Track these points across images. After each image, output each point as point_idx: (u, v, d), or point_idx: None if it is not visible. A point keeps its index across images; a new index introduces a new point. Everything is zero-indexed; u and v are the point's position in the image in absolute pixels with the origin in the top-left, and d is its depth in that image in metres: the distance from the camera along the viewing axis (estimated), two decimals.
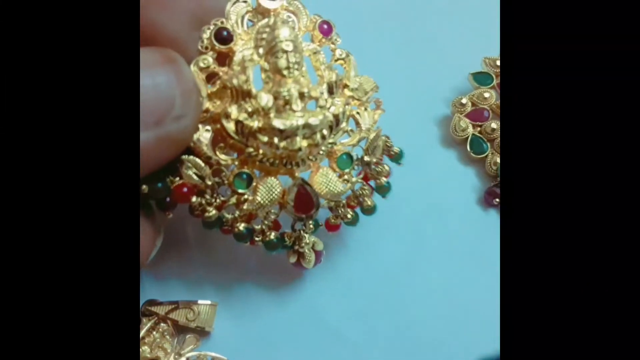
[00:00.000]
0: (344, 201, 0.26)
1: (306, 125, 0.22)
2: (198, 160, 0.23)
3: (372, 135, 0.25)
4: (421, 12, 0.36)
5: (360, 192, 0.26)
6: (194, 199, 0.23)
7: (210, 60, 0.23)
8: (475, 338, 0.28)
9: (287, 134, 0.22)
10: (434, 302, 0.29)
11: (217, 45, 0.23)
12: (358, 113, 0.25)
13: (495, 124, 0.32)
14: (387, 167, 0.27)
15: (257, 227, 0.25)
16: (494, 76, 0.33)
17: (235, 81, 0.22)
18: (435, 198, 0.31)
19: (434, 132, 0.33)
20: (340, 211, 0.26)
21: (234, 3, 0.23)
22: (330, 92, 0.23)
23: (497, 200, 0.31)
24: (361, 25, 0.36)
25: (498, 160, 0.31)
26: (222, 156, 0.23)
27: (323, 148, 0.24)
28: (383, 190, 0.27)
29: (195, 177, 0.23)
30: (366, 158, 0.25)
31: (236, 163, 0.24)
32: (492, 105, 0.33)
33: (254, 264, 0.29)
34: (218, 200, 0.24)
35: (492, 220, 0.31)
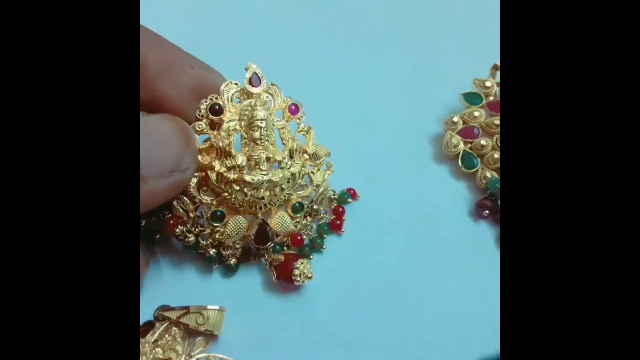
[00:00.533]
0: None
1: (269, 181, 0.29)
2: (185, 198, 0.29)
3: (321, 190, 0.32)
4: (416, 39, 0.38)
5: (305, 230, 0.32)
6: (178, 228, 0.29)
7: (204, 125, 0.29)
8: (469, 341, 0.29)
9: (254, 186, 0.29)
10: (431, 307, 0.30)
11: (210, 116, 0.29)
12: (312, 172, 0.31)
13: (484, 141, 0.33)
14: (326, 215, 0.32)
15: (225, 252, 0.30)
16: (483, 96, 0.34)
17: (221, 143, 0.29)
18: (430, 210, 0.33)
19: (428, 149, 0.35)
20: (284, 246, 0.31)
21: (227, 84, 0.30)
22: (291, 156, 0.30)
23: (487, 212, 0.32)
24: (362, 52, 0.38)
25: (488, 174, 0.33)
26: (205, 197, 0.29)
27: (282, 197, 0.30)
28: (321, 229, 0.32)
29: (181, 210, 0.29)
30: (315, 206, 0.31)
31: (214, 202, 0.30)
32: (482, 123, 0.34)
33: (260, 273, 0.31)
34: (197, 230, 0.30)
35: (482, 230, 0.32)
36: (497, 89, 0.35)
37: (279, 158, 0.29)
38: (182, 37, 0.31)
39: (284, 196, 0.30)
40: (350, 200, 0.33)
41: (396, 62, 0.37)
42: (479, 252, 0.32)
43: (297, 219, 0.31)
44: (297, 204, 0.31)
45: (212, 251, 0.30)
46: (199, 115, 0.29)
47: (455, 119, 0.34)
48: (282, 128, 0.30)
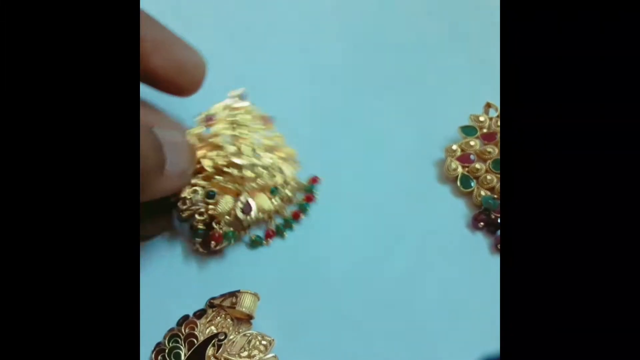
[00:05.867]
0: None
1: (253, 165, 0.33)
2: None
3: (292, 183, 0.36)
4: (422, 82, 0.42)
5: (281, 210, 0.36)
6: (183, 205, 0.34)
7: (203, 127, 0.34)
8: (471, 343, 0.31)
9: (241, 168, 0.33)
10: (434, 309, 0.33)
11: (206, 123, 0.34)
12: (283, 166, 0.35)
13: (479, 165, 0.37)
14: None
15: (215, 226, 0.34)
16: (477, 129, 0.39)
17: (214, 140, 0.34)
18: (434, 223, 0.36)
19: (432, 172, 0.38)
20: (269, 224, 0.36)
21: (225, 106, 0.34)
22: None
23: (482, 224, 0.36)
24: (375, 89, 0.41)
25: (482, 193, 0.37)
26: (200, 182, 0.33)
27: (262, 179, 0.34)
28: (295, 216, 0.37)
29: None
30: (286, 192, 0.36)
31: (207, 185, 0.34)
32: (477, 151, 0.38)
33: (276, 261, 0.35)
34: (192, 207, 0.33)
35: (479, 240, 0.36)
36: (489, 123, 0.39)
37: (260, 152, 0.34)
38: None
39: (264, 180, 0.34)
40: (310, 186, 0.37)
41: (405, 101, 0.40)
42: (476, 258, 0.35)
43: (274, 200, 0.35)
44: (273, 189, 0.35)
45: (200, 225, 0.34)
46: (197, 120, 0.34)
47: (455, 147, 0.37)
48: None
